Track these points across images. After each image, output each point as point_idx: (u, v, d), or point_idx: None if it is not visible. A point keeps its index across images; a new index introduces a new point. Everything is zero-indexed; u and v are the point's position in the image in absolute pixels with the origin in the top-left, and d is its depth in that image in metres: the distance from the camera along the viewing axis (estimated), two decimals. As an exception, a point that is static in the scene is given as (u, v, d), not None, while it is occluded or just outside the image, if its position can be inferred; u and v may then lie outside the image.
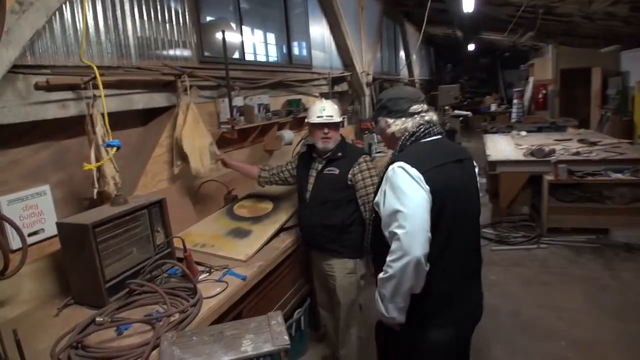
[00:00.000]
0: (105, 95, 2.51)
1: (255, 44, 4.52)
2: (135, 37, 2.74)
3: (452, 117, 10.53)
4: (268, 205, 3.06)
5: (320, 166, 2.68)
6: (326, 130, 2.60)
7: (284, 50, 5.08)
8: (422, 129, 1.80)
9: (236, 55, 3.94)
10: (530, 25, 8.73)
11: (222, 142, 3.39)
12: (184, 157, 2.90)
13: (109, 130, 2.32)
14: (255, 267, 2.37)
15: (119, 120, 2.79)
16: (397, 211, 1.58)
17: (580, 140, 6.14)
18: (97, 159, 2.32)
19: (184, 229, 2.92)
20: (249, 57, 4.22)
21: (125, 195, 2.75)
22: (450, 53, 20.01)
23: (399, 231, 1.56)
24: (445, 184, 1.67)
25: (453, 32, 13.40)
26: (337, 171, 2.59)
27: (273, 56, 4.91)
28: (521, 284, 4.03)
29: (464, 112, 12.01)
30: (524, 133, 7.29)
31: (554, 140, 6.32)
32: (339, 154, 2.63)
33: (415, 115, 1.82)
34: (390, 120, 1.85)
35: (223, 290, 2.11)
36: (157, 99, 2.92)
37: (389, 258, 1.60)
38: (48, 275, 2.23)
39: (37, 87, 2.12)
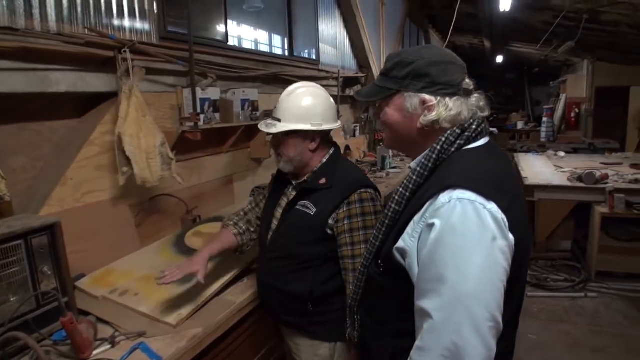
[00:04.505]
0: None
1: (243, 28, 3.73)
2: (58, -8, 1.97)
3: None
4: (233, 235, 2.22)
5: (293, 195, 1.70)
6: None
7: (283, 40, 4.28)
8: (477, 124, 1.08)
9: (219, 38, 3.16)
10: (569, 35, 7.87)
11: (184, 145, 2.58)
12: (129, 162, 2.12)
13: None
14: (186, 337, 1.53)
15: (36, 107, 2.03)
16: (448, 282, 0.87)
17: (633, 165, 5.16)
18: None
19: (119, 258, 2.13)
20: (234, 41, 3.43)
21: (33, 212, 2.00)
22: (476, 67, 19.15)
23: (443, 319, 0.87)
24: (525, 221, 1.05)
25: (480, 42, 12.57)
26: (312, 210, 1.58)
27: (264, 44, 4.12)
28: (567, 349, 3.09)
29: (491, 129, 11.09)
30: (562, 154, 6.35)
31: (600, 164, 5.37)
32: (321, 181, 1.61)
33: (471, 96, 1.07)
34: (434, 99, 1.05)
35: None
36: (91, 81, 2.15)
37: (422, 356, 0.91)
38: None
39: None
